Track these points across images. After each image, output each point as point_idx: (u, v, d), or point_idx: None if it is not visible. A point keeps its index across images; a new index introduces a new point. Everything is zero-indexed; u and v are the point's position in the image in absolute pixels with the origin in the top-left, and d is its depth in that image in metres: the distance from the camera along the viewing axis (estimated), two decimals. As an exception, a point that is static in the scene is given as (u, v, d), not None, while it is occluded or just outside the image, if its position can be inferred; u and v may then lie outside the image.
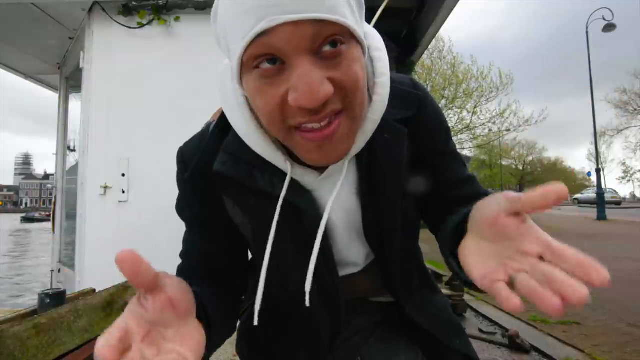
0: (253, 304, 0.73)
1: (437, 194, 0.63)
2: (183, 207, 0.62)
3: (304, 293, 0.56)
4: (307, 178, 0.53)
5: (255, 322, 0.53)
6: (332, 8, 0.38)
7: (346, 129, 0.44)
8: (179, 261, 0.65)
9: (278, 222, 0.53)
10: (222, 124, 0.55)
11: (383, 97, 0.50)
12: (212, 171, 0.52)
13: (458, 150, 0.66)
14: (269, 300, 0.66)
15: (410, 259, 0.65)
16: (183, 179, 0.57)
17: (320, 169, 0.53)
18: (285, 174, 0.52)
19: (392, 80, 0.52)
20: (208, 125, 0.61)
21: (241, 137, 0.51)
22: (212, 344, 0.47)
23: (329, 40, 0.39)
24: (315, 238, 0.55)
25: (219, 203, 0.58)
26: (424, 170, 0.61)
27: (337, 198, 0.56)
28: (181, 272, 0.62)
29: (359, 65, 0.42)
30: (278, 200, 0.52)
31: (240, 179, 0.52)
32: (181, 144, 0.61)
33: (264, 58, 0.39)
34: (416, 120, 0.56)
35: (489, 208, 0.35)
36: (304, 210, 0.53)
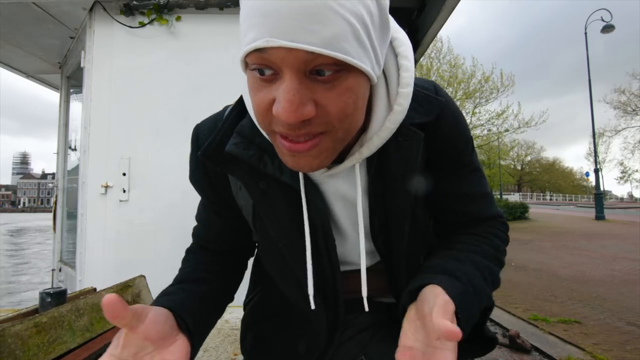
0: (256, 295, 0.74)
1: (447, 205, 0.63)
2: (194, 182, 0.65)
3: (304, 281, 0.57)
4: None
5: (312, 307, 0.57)
6: (328, 41, 0.36)
7: (325, 147, 0.43)
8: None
9: (285, 209, 0.54)
10: (239, 107, 0.56)
11: (404, 107, 0.49)
12: (224, 152, 0.53)
13: (478, 163, 0.64)
14: (274, 289, 0.68)
15: (418, 262, 0.64)
16: (195, 158, 0.60)
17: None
18: None
19: (415, 84, 0.52)
20: (226, 107, 0.62)
21: (254, 121, 0.52)
22: (196, 346, 0.53)
23: (323, 66, 0.38)
24: (318, 229, 0.56)
25: (226, 184, 0.61)
26: (437, 178, 0.60)
27: (344, 198, 0.57)
28: (194, 236, 0.72)
29: (351, 95, 0.41)
30: (285, 185, 0.53)
31: (251, 161, 0.52)
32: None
33: (261, 66, 0.40)
34: (434, 125, 0.56)
35: (427, 305, 0.45)
36: (310, 201, 0.54)
